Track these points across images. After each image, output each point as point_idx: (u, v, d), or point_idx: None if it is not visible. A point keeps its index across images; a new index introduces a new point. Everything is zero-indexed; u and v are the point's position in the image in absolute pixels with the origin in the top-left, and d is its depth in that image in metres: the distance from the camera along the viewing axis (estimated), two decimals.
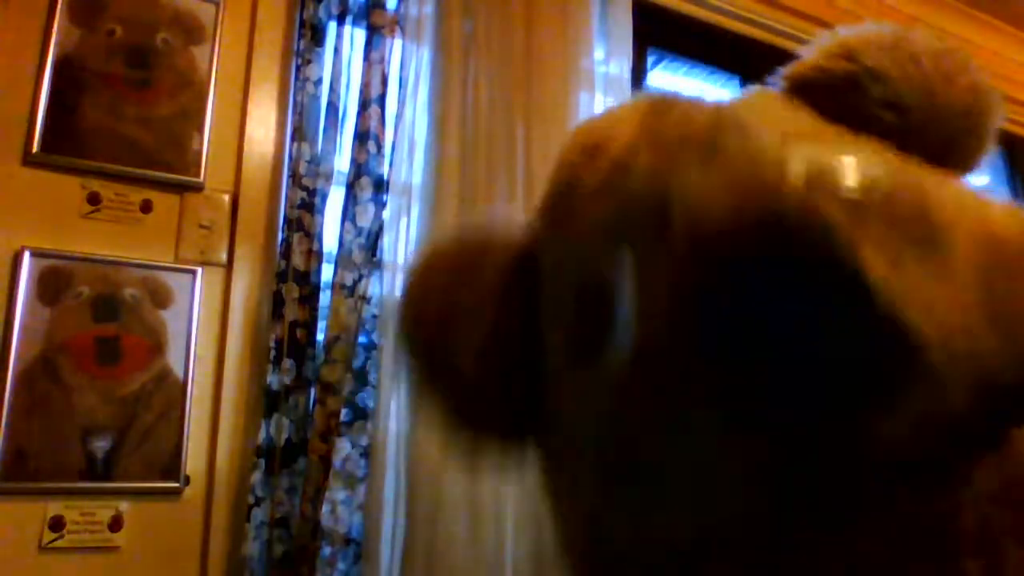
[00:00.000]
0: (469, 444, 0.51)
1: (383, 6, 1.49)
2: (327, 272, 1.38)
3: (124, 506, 1.22)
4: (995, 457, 0.28)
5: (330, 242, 1.40)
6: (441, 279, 0.50)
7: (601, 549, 0.38)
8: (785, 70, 0.49)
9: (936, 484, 0.27)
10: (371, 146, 1.42)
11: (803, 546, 0.29)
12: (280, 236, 1.38)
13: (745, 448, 0.29)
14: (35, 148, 1.26)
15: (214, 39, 1.43)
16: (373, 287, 1.39)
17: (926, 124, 0.43)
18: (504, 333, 0.46)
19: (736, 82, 2.16)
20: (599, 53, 1.74)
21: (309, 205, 1.37)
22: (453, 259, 0.51)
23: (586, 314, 0.38)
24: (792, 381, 0.27)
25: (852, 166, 0.32)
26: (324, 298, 1.38)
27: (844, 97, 0.44)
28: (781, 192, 0.28)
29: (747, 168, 0.31)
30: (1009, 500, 0.27)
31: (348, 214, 1.39)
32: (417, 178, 1.48)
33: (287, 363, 1.30)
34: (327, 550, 1.27)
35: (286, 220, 1.37)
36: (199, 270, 1.34)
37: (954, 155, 0.44)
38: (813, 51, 0.48)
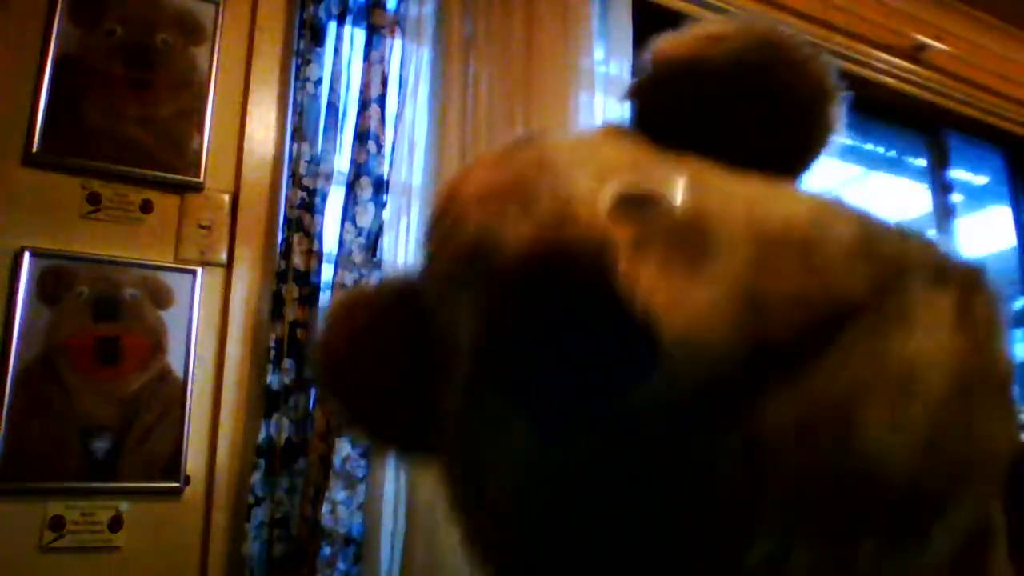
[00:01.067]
0: (379, 450, 0.57)
1: (383, 6, 1.49)
2: (327, 272, 1.38)
3: (124, 506, 1.22)
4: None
5: (330, 242, 1.40)
6: (342, 328, 0.54)
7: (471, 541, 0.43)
8: (628, 84, 0.50)
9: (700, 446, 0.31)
10: (371, 146, 1.42)
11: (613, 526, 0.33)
12: (280, 236, 1.38)
13: (549, 453, 0.33)
14: (35, 148, 1.26)
15: (214, 39, 1.43)
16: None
17: (755, 121, 0.44)
18: (401, 366, 0.50)
19: None
20: (599, 53, 1.74)
21: (309, 205, 1.37)
22: (349, 307, 0.56)
23: (445, 346, 0.42)
24: (567, 382, 0.31)
25: (649, 197, 0.35)
26: (324, 298, 1.38)
27: (674, 101, 0.45)
28: (571, 240, 0.32)
29: (552, 209, 0.34)
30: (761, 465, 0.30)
31: (348, 214, 1.39)
32: (417, 178, 1.48)
33: (287, 363, 1.30)
34: (327, 550, 1.27)
35: (286, 220, 1.37)
36: (199, 270, 1.34)
37: (785, 156, 0.45)
38: (648, 57, 0.49)
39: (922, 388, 0.29)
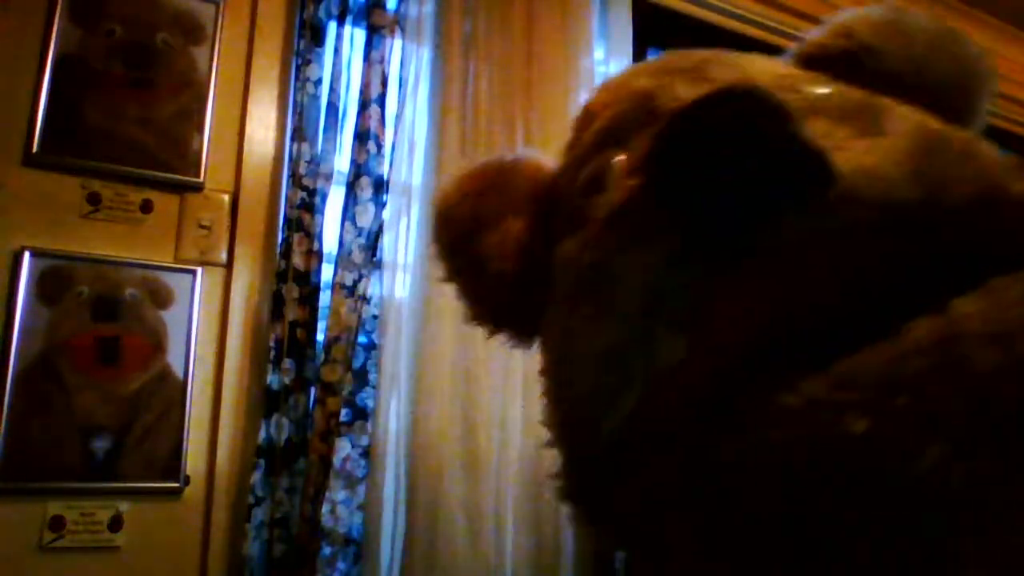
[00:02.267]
0: (488, 330, 0.58)
1: (383, 6, 1.49)
2: (327, 272, 1.38)
3: (124, 506, 1.22)
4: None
5: (330, 242, 1.40)
6: (473, 185, 0.57)
7: (570, 392, 0.44)
8: (791, 49, 0.54)
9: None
10: (371, 146, 1.42)
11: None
12: (280, 236, 1.38)
13: (681, 273, 0.36)
14: (35, 148, 1.26)
15: (214, 39, 1.42)
16: (373, 287, 1.39)
17: (917, 98, 0.46)
18: (526, 236, 0.53)
19: None
20: (599, 53, 1.74)
21: (309, 205, 1.37)
22: (486, 171, 0.58)
23: (580, 199, 0.45)
24: (728, 202, 0.33)
25: (820, 87, 0.39)
26: (324, 298, 1.38)
27: (842, 71, 0.48)
28: (748, 89, 0.34)
29: (725, 78, 0.39)
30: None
31: (348, 214, 1.39)
32: (417, 178, 1.48)
33: (287, 363, 1.30)
34: (327, 550, 1.27)
35: (286, 220, 1.37)
36: (199, 270, 1.34)
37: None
38: (816, 32, 0.53)
39: None
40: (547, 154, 0.57)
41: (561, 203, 0.50)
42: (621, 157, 0.41)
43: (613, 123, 0.45)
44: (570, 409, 0.43)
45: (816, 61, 0.50)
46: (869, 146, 0.33)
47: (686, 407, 0.36)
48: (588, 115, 0.50)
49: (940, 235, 0.32)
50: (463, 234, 0.55)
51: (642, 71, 0.48)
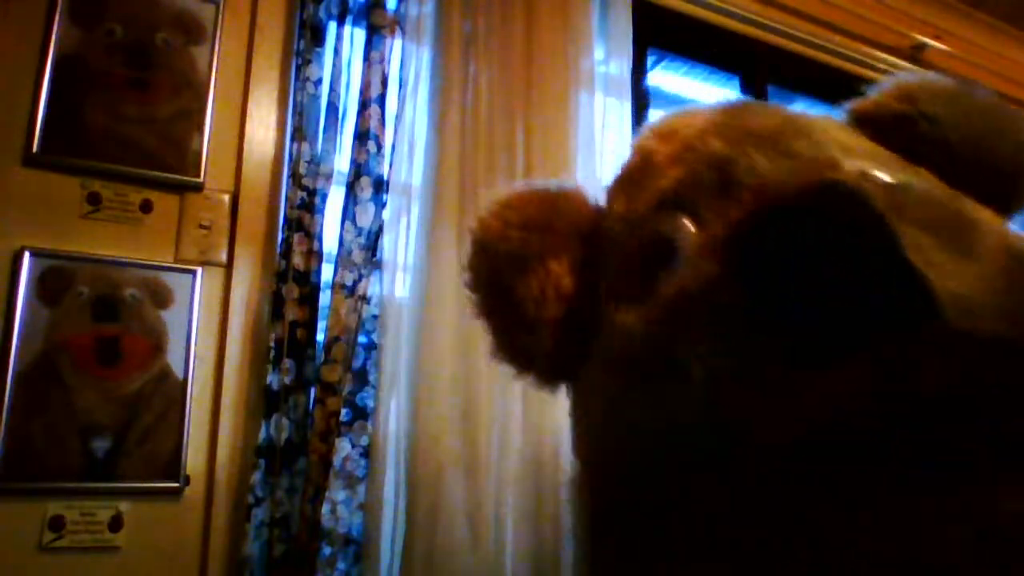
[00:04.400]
0: (515, 372, 0.56)
1: (383, 6, 1.49)
2: (327, 272, 1.38)
3: (124, 506, 1.22)
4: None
5: (330, 242, 1.40)
6: (517, 217, 0.54)
7: (623, 447, 0.42)
8: (849, 105, 0.54)
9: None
10: (371, 146, 1.42)
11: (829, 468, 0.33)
12: (280, 236, 1.38)
13: (764, 362, 0.34)
14: (35, 148, 1.26)
15: (214, 39, 1.43)
16: (373, 287, 1.39)
17: (971, 172, 0.46)
18: (566, 281, 0.51)
19: (736, 82, 2.16)
20: (599, 53, 1.74)
21: (309, 205, 1.37)
22: (530, 202, 0.56)
23: (640, 263, 0.43)
24: (815, 313, 0.32)
25: (898, 174, 0.38)
26: (324, 298, 1.38)
27: (899, 133, 0.48)
28: (837, 176, 0.34)
29: (811, 160, 0.37)
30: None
31: (348, 214, 1.39)
32: (417, 178, 1.48)
33: (287, 363, 1.30)
34: (327, 550, 1.27)
35: (286, 220, 1.37)
36: (199, 270, 1.34)
37: (995, 204, 0.47)
38: (876, 92, 0.53)
39: None
40: (573, 176, 0.56)
41: (610, 253, 0.48)
42: (692, 229, 0.39)
43: (682, 187, 0.43)
44: (610, 460, 0.43)
45: (872, 120, 0.50)
46: (961, 269, 0.32)
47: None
48: (648, 165, 0.47)
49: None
50: (503, 271, 0.53)
51: (711, 128, 0.45)
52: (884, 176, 0.37)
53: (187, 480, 1.27)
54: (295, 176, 1.37)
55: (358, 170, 1.41)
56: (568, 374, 0.52)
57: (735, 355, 0.35)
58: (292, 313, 1.32)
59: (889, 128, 0.49)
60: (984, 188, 0.46)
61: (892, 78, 0.52)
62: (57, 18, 1.31)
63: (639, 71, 1.88)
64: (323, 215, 1.38)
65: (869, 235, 0.31)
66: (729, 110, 0.47)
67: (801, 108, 0.56)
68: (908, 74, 0.52)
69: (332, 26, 1.46)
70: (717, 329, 0.35)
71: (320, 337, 1.36)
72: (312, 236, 1.36)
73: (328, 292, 1.37)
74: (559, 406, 1.26)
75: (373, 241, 1.39)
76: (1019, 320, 0.31)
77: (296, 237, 1.35)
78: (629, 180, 0.50)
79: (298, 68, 1.44)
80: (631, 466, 0.41)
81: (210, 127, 1.39)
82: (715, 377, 0.36)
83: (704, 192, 0.40)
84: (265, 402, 1.29)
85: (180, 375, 1.29)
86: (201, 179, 1.37)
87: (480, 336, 0.58)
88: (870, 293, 0.31)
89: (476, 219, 0.56)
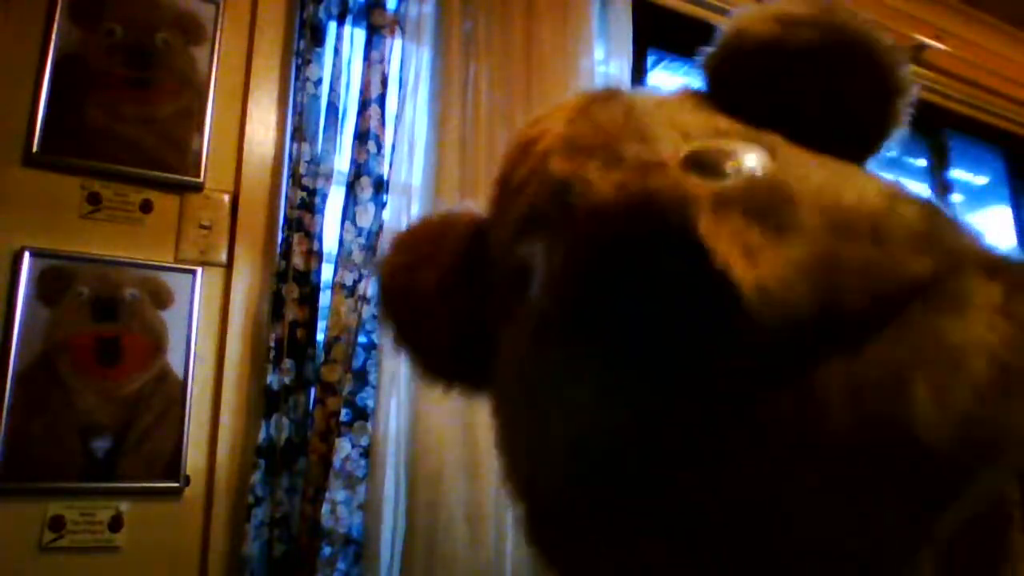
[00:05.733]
0: (442, 389, 0.60)
1: (383, 6, 1.49)
2: (327, 272, 1.38)
3: (124, 506, 1.22)
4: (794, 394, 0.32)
5: (330, 242, 1.40)
6: (407, 255, 0.57)
7: (528, 466, 0.44)
8: (703, 59, 0.52)
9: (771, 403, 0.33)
10: (371, 146, 1.42)
11: (676, 476, 0.35)
12: (280, 236, 1.38)
13: (619, 388, 0.35)
14: (35, 148, 1.26)
15: (214, 39, 1.43)
16: (373, 287, 1.39)
17: (831, 104, 0.46)
18: (458, 302, 0.54)
19: None
20: (599, 53, 1.74)
21: (309, 205, 1.37)
22: (420, 233, 0.59)
23: (510, 290, 0.45)
24: (651, 330, 0.33)
25: (727, 161, 0.38)
26: (324, 298, 1.38)
27: (750, 76, 0.48)
28: (656, 191, 0.34)
29: (638, 167, 0.37)
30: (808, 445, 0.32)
31: (348, 214, 1.39)
32: (417, 178, 1.48)
33: (287, 363, 1.30)
34: (327, 550, 1.27)
35: (286, 220, 1.37)
36: (199, 270, 1.34)
37: (855, 142, 0.48)
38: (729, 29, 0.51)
39: (970, 369, 0.31)
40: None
41: (491, 273, 0.50)
42: (539, 258, 0.40)
43: (531, 211, 0.44)
44: (526, 473, 0.45)
45: (731, 62, 0.49)
46: (777, 254, 0.33)
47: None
48: (507, 187, 0.48)
49: (838, 336, 0.32)
50: (398, 308, 0.57)
51: (558, 143, 0.44)
52: (712, 162, 0.38)
53: (187, 480, 1.27)
54: (295, 176, 1.37)
55: (358, 170, 1.41)
56: (485, 381, 0.54)
57: (595, 378, 0.36)
58: (292, 313, 1.32)
59: (739, 73, 0.48)
60: (839, 124, 0.46)
61: (741, 12, 0.49)
62: (57, 18, 1.31)
63: (639, 71, 1.89)
64: (323, 215, 1.39)
65: (685, 247, 0.32)
66: (577, 112, 0.47)
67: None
68: (758, 6, 0.49)
69: (332, 26, 1.46)
70: (572, 354, 0.37)
71: (320, 337, 1.36)
72: (312, 236, 1.36)
73: (328, 292, 1.37)
74: None
75: (373, 241, 1.39)
76: (829, 293, 0.32)
77: (296, 237, 1.35)
78: (497, 199, 0.51)
79: (298, 68, 1.44)
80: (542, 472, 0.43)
81: (210, 127, 1.39)
82: (571, 404, 0.37)
83: (547, 219, 0.41)
84: (265, 402, 1.29)
85: (180, 375, 1.29)
86: (201, 179, 1.37)
87: None
88: (686, 305, 0.32)
89: (379, 258, 0.60)
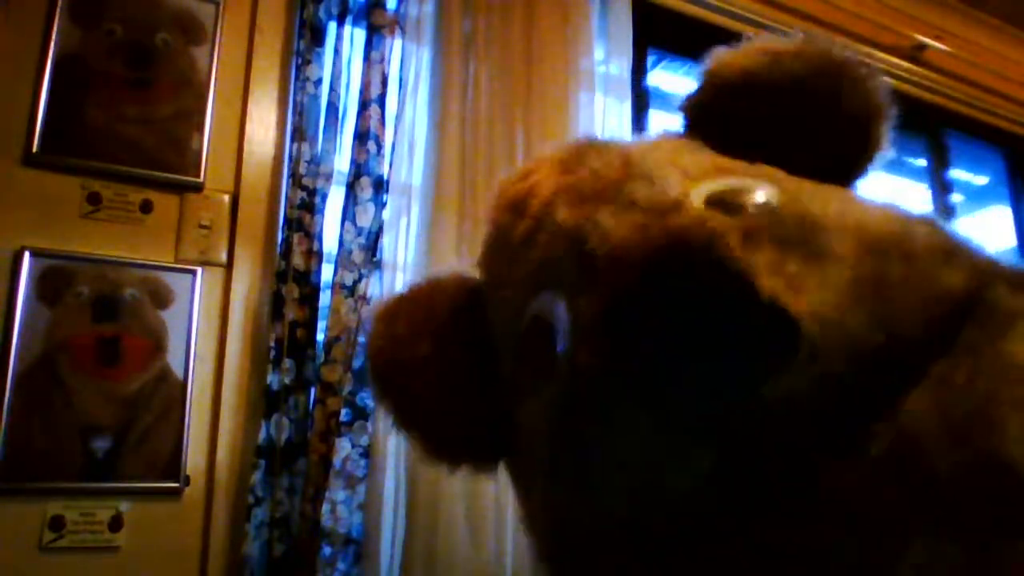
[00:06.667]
0: (448, 467, 0.54)
1: (383, 6, 1.49)
2: (327, 272, 1.38)
3: (124, 506, 1.22)
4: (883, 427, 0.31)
5: (330, 242, 1.40)
6: (395, 327, 0.53)
7: (557, 533, 0.42)
8: (683, 102, 0.52)
9: (836, 456, 0.31)
10: (371, 146, 1.42)
11: (731, 531, 0.33)
12: (280, 236, 1.38)
13: (669, 441, 0.33)
14: (35, 148, 1.26)
15: (214, 39, 1.43)
16: (373, 287, 1.39)
17: (817, 131, 0.46)
18: (459, 370, 0.50)
19: None
20: (599, 53, 1.74)
21: (309, 205, 1.37)
22: (404, 307, 0.55)
23: (528, 351, 0.42)
24: (700, 376, 0.31)
25: (745, 196, 0.37)
26: (324, 298, 1.38)
27: (734, 111, 0.47)
28: (683, 228, 0.33)
29: (655, 208, 0.36)
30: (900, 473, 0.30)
31: (348, 214, 1.39)
32: (417, 178, 1.48)
33: (287, 363, 1.30)
34: (327, 550, 1.27)
35: (286, 220, 1.37)
36: (199, 270, 1.34)
37: (841, 167, 0.47)
38: (707, 70, 0.51)
39: None
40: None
41: (495, 331, 0.47)
42: (564, 312, 0.38)
43: (544, 265, 0.41)
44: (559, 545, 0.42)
45: (707, 108, 0.49)
46: (819, 282, 0.32)
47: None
48: (507, 244, 0.46)
49: (901, 360, 0.31)
50: (394, 388, 0.53)
51: (558, 194, 0.43)
52: (731, 199, 0.37)
53: (187, 480, 1.27)
54: (295, 176, 1.37)
55: (358, 170, 1.41)
56: (496, 457, 0.51)
57: (639, 434, 0.34)
58: (292, 313, 1.32)
59: (721, 111, 0.48)
60: (824, 152, 0.46)
61: (720, 52, 0.50)
62: (57, 18, 1.31)
63: (639, 71, 1.89)
64: (323, 215, 1.39)
65: (724, 282, 0.30)
66: (570, 162, 0.46)
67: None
68: (736, 46, 0.49)
69: (332, 26, 1.46)
70: (616, 408, 0.35)
71: (320, 337, 1.36)
72: (312, 236, 1.36)
73: (328, 292, 1.37)
74: None
75: (373, 241, 1.39)
76: (886, 317, 0.31)
77: (296, 237, 1.35)
78: (494, 260, 0.49)
79: (298, 68, 1.44)
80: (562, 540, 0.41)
81: (210, 127, 1.39)
82: (624, 461, 0.35)
83: (565, 271, 0.39)
84: (265, 402, 1.29)
85: (180, 375, 1.29)
86: (201, 179, 1.37)
87: None
88: (734, 341, 0.30)
89: (367, 335, 0.57)
